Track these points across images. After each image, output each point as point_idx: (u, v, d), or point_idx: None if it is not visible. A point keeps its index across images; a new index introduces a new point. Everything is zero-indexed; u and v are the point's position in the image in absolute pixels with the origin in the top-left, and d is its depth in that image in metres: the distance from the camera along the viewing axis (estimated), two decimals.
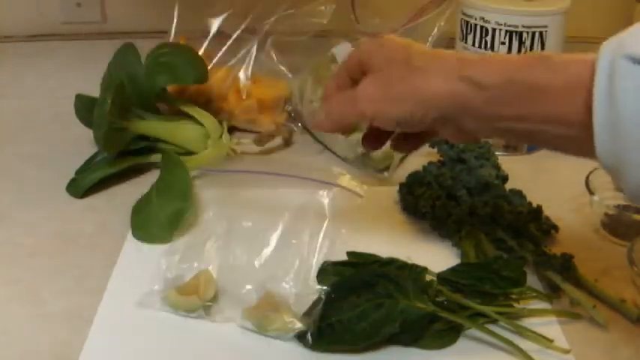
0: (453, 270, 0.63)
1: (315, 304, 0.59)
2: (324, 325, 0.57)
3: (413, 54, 0.53)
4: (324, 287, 0.61)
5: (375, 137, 0.62)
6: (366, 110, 0.54)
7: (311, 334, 0.57)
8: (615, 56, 0.42)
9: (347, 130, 0.59)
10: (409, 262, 0.65)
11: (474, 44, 0.85)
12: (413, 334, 0.57)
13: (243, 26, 0.93)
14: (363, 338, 0.56)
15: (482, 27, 0.84)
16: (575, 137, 0.46)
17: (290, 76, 0.94)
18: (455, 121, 0.52)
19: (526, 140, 0.49)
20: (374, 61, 0.55)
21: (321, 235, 0.69)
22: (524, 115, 0.48)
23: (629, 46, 0.42)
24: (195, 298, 0.60)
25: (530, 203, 0.72)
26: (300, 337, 0.58)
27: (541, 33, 0.82)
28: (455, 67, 0.51)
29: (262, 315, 0.58)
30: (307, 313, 0.59)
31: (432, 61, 0.52)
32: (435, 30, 0.91)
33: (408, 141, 0.62)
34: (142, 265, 0.68)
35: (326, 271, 0.63)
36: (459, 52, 0.55)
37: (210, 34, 0.94)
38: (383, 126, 0.56)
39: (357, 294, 0.58)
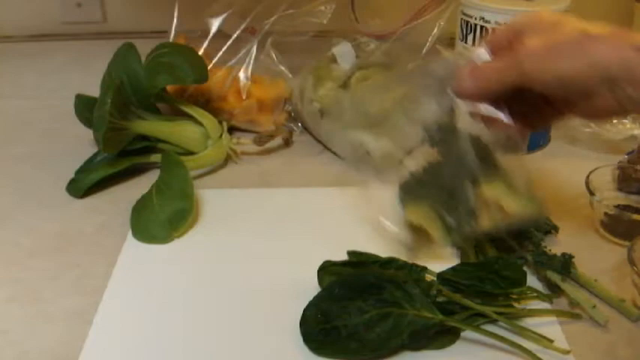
0: (453, 270, 0.63)
1: (317, 297, 0.59)
2: (329, 328, 0.57)
3: (578, 22, 0.54)
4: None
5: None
6: (529, 65, 0.54)
7: (314, 335, 0.57)
8: None
9: (491, 94, 0.57)
10: (409, 262, 0.65)
11: (473, 44, 0.85)
12: (420, 343, 0.57)
13: (243, 26, 0.93)
14: (371, 349, 0.56)
15: (482, 27, 0.84)
16: None
17: (290, 76, 0.94)
18: (617, 89, 0.52)
19: None
20: (537, 25, 0.55)
21: None
22: None
23: None
24: None
25: None
26: (306, 337, 0.58)
27: None
28: (625, 38, 0.52)
29: None
30: (311, 304, 0.59)
31: (602, 30, 0.53)
32: (435, 30, 0.91)
33: (536, 118, 0.61)
34: (142, 265, 0.68)
35: (326, 271, 0.63)
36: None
37: (210, 34, 0.94)
38: (540, 85, 0.55)
39: (362, 298, 0.58)
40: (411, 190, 0.65)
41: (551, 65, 0.53)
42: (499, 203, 0.61)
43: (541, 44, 0.54)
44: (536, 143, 0.88)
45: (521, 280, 0.62)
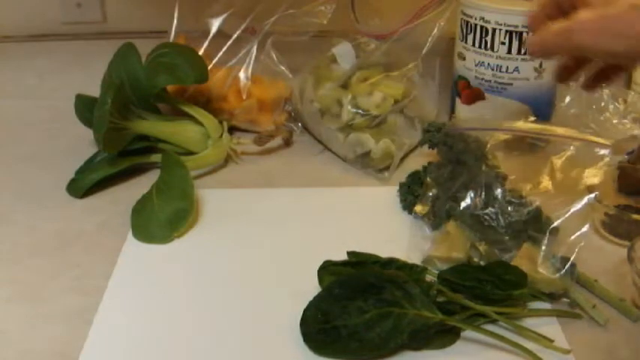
0: (453, 270, 0.63)
1: (317, 297, 0.59)
2: (329, 328, 0.57)
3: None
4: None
5: (568, 70, 0.64)
6: (583, 41, 0.54)
7: (314, 335, 0.57)
8: None
9: (552, 56, 0.60)
10: (409, 262, 0.65)
11: (473, 44, 0.85)
12: (420, 342, 0.57)
13: (243, 26, 0.93)
14: (371, 349, 0.56)
15: (482, 27, 0.84)
16: None
17: (290, 76, 0.94)
18: None
19: None
20: None
21: None
22: None
23: None
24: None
25: (530, 203, 0.72)
26: (306, 337, 0.58)
27: None
28: None
29: None
30: (311, 304, 0.59)
31: None
32: (435, 30, 0.91)
33: (598, 77, 0.63)
34: (142, 265, 0.68)
35: (326, 271, 0.63)
36: None
37: (210, 34, 0.94)
38: (592, 56, 0.57)
39: (363, 298, 0.58)
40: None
41: (600, 41, 0.54)
42: (534, 263, 0.64)
43: (592, 18, 0.54)
44: None
45: (523, 283, 0.62)
